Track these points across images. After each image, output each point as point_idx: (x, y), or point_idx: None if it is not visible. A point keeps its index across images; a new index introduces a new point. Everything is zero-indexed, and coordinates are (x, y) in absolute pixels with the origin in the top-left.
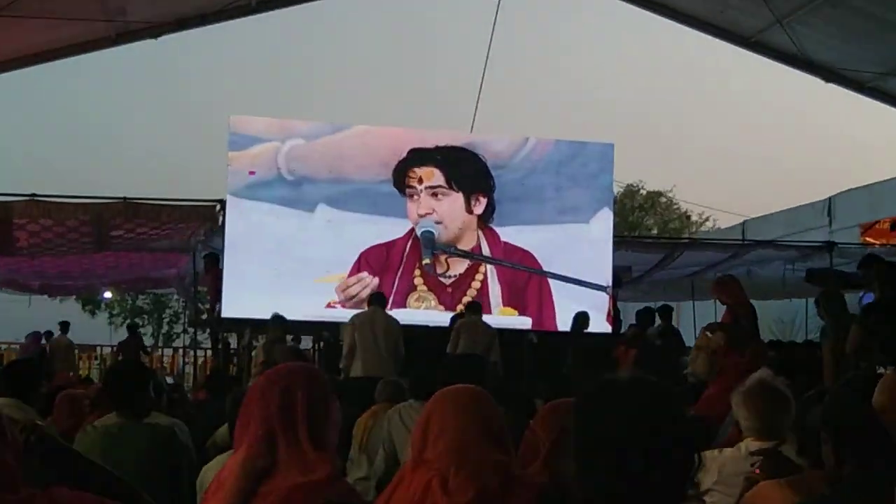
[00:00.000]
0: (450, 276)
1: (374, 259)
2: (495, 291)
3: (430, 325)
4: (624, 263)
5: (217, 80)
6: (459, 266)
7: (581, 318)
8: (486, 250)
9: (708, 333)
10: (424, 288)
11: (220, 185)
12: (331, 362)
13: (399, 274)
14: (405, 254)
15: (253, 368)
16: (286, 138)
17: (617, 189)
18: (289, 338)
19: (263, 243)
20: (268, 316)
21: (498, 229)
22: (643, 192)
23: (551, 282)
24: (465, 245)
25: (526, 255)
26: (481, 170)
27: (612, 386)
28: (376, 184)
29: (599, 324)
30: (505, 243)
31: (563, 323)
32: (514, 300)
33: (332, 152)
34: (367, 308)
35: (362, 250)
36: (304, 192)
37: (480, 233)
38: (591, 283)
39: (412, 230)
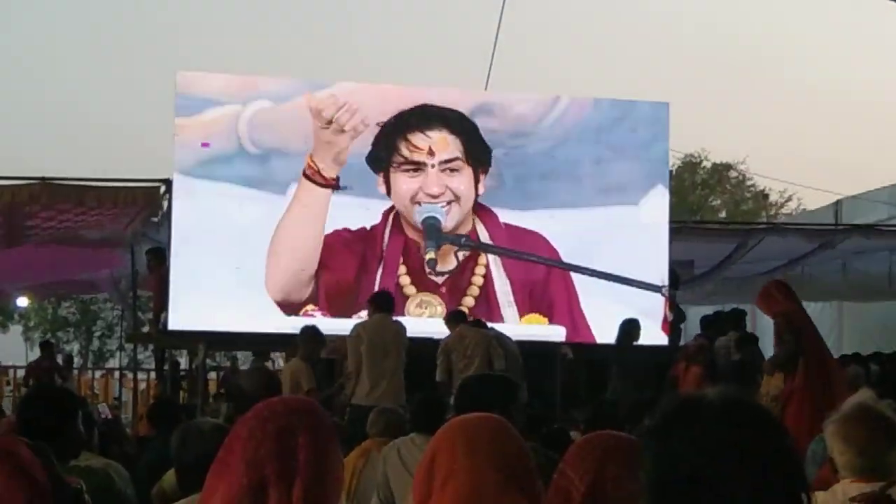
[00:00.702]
0: (441, 274)
1: (340, 252)
2: (504, 290)
3: (437, 336)
4: (684, 256)
5: (161, 28)
6: (449, 259)
7: (629, 328)
8: (483, 236)
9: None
10: (413, 289)
11: (164, 160)
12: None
13: (380, 273)
14: (384, 245)
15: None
16: (249, 100)
17: (673, 161)
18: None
19: (221, 235)
20: (227, 327)
21: (514, 212)
22: (707, 164)
23: (589, 281)
24: (465, 229)
25: (538, 240)
26: (483, 141)
27: (702, 407)
28: (363, 154)
29: (653, 334)
30: (507, 226)
31: (604, 333)
32: (535, 303)
33: (306, 117)
34: (370, 315)
35: (326, 234)
36: (272, 169)
37: (475, 216)
38: (641, 283)
39: (391, 212)
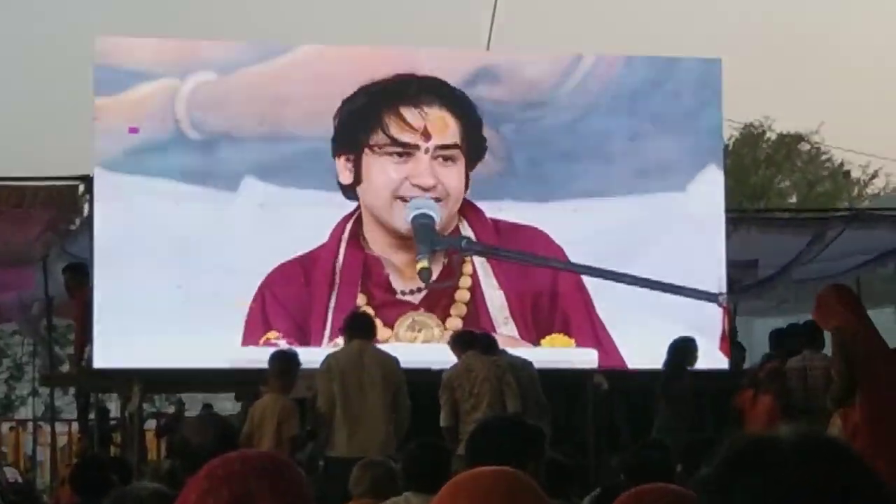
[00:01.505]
0: (413, 290)
1: (284, 276)
2: (497, 303)
3: (436, 367)
4: (745, 255)
5: None
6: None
7: (684, 349)
8: (466, 232)
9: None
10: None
11: (82, 152)
12: None
13: (335, 290)
14: (336, 268)
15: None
16: (188, 71)
17: (729, 133)
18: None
19: (158, 244)
20: (169, 362)
21: (526, 205)
22: (771, 136)
23: (624, 290)
24: (447, 230)
25: (538, 238)
26: (481, 124)
27: (773, 450)
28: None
29: (708, 356)
30: (495, 222)
31: (644, 356)
32: (546, 319)
33: (264, 92)
34: (345, 343)
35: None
36: (220, 159)
37: (459, 215)
38: (691, 290)
39: (341, 229)
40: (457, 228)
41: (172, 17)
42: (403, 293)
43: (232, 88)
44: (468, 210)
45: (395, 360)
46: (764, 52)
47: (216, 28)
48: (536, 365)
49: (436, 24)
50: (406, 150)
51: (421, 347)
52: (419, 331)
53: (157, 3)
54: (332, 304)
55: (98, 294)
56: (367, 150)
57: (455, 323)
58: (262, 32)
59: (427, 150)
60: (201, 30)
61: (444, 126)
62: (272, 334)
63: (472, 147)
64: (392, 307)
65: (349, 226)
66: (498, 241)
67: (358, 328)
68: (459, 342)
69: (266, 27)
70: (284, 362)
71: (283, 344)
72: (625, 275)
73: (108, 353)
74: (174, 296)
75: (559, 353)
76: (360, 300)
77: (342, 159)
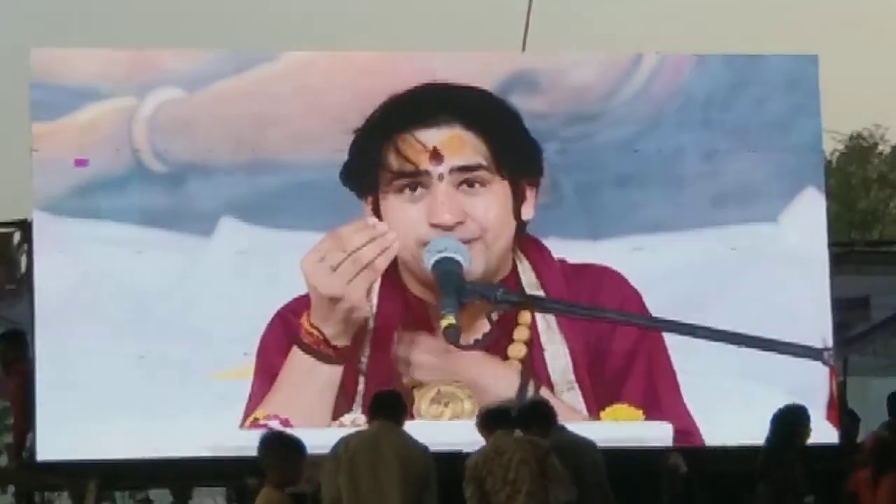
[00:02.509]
0: (472, 346)
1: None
2: (559, 363)
3: (467, 450)
4: (855, 293)
5: None
6: (479, 325)
7: (792, 422)
8: (531, 281)
9: None
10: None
11: (16, 191)
12: None
13: (368, 346)
14: (372, 309)
15: None
16: (147, 88)
17: (832, 147)
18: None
19: (113, 306)
20: (130, 453)
21: (576, 244)
22: (884, 149)
23: (702, 348)
24: (499, 275)
25: (615, 283)
26: (524, 131)
27: None
28: (336, 168)
29: (815, 427)
30: (563, 264)
31: (731, 430)
32: (615, 386)
33: (242, 111)
34: (366, 424)
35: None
36: (190, 197)
37: (517, 249)
38: (789, 345)
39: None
40: (513, 271)
41: (126, 24)
42: (465, 349)
43: (202, 108)
44: (529, 247)
45: (422, 449)
46: (872, 46)
47: (180, 36)
48: (595, 439)
49: (457, 23)
50: (416, 181)
51: (448, 425)
52: (446, 405)
53: (106, 7)
54: (364, 361)
55: (41, 369)
56: (381, 191)
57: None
58: (237, 38)
59: (442, 177)
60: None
61: (459, 143)
62: (260, 413)
63: (513, 161)
64: (438, 367)
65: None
66: (566, 286)
67: (380, 406)
68: (488, 421)
69: (242, 31)
70: (280, 449)
71: (276, 424)
72: (701, 327)
73: (54, 442)
74: (135, 368)
75: (624, 429)
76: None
77: (365, 201)
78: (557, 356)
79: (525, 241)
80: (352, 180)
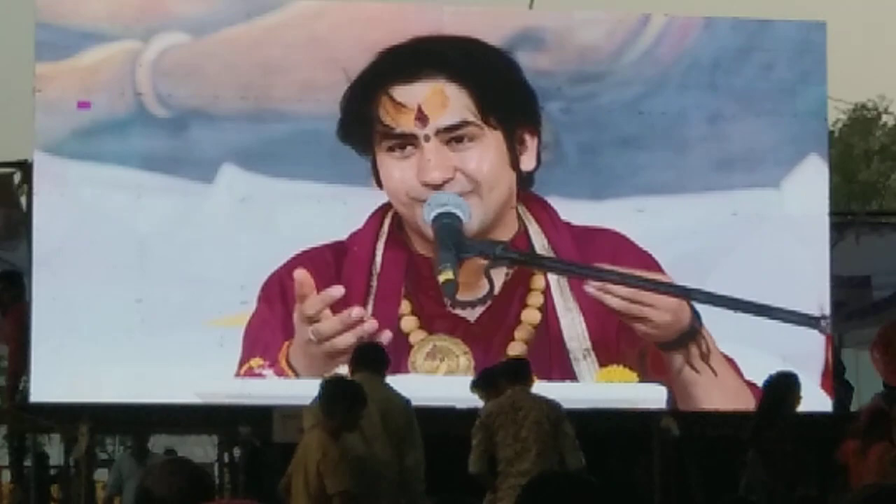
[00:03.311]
0: (475, 303)
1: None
2: (575, 331)
3: (461, 406)
4: (854, 270)
5: None
6: (478, 282)
7: (784, 387)
8: (538, 243)
9: None
10: (422, 333)
11: (19, 132)
12: (262, 489)
13: (371, 302)
14: (376, 261)
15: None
16: (153, 32)
17: (835, 116)
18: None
19: (112, 249)
20: (124, 397)
21: (579, 204)
22: (888, 120)
23: (703, 313)
24: (504, 233)
25: (623, 247)
26: (519, 79)
27: None
28: (338, 119)
29: (808, 394)
30: (571, 227)
31: (734, 396)
32: (620, 349)
33: (248, 58)
34: (349, 376)
35: (288, 259)
36: (192, 143)
37: (523, 208)
38: (786, 312)
39: (387, 210)
40: (524, 233)
41: None
42: (455, 305)
43: (208, 54)
44: (537, 208)
45: (403, 401)
46: (879, 15)
47: None
48: (587, 404)
49: None
50: (404, 142)
51: (443, 380)
52: (441, 360)
53: None
54: (367, 313)
55: (36, 310)
56: (376, 148)
57: (519, 349)
58: None
59: (428, 138)
60: None
61: (441, 101)
62: (255, 362)
63: (504, 111)
64: (442, 322)
65: (388, 218)
66: (576, 249)
67: (364, 361)
68: (510, 370)
69: None
70: (338, 392)
71: (270, 375)
72: (700, 291)
73: (48, 384)
74: (132, 313)
75: (617, 390)
76: (405, 307)
77: (366, 158)
78: (573, 324)
79: (532, 202)
80: (348, 138)
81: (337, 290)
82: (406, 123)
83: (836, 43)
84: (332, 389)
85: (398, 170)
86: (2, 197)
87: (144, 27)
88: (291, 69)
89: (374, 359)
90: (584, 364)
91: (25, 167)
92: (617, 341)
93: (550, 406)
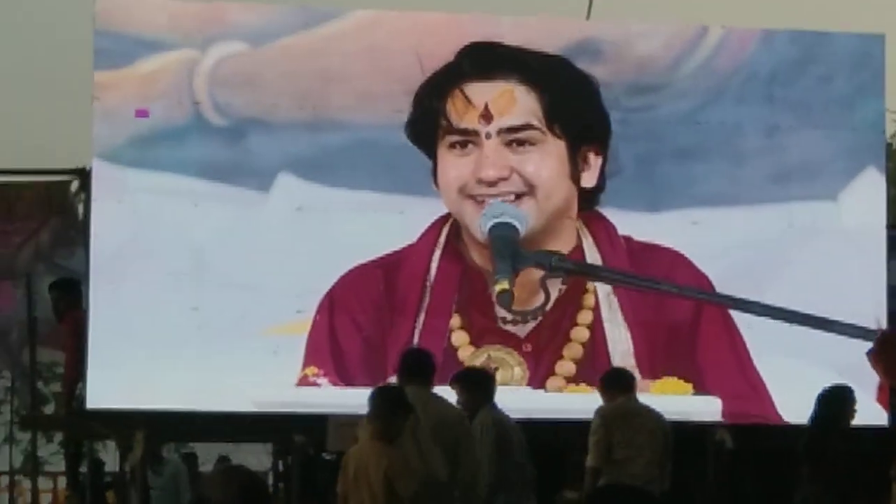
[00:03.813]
0: (527, 316)
1: (358, 284)
2: (621, 345)
3: (518, 417)
4: None
5: None
6: (533, 295)
7: (838, 401)
8: (591, 258)
9: None
10: (471, 349)
11: (78, 140)
12: (316, 497)
13: (423, 315)
14: (430, 274)
15: None
16: (211, 41)
17: (892, 128)
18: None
19: (169, 257)
20: (181, 404)
21: (634, 215)
22: None
23: (757, 325)
24: (561, 246)
25: (680, 265)
26: (595, 101)
27: None
28: (396, 128)
29: (863, 408)
30: (629, 242)
31: (784, 406)
32: (673, 362)
33: (305, 67)
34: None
35: (342, 274)
36: (249, 151)
37: (582, 225)
38: (843, 325)
39: (445, 220)
40: (579, 247)
41: None
42: (506, 321)
43: (265, 63)
44: (594, 224)
45: (453, 412)
46: None
47: None
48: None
49: None
50: (466, 139)
51: (498, 391)
52: (496, 370)
53: None
54: (418, 327)
55: (93, 318)
56: (438, 144)
57: (567, 368)
58: None
59: (489, 135)
60: None
61: (509, 102)
62: (311, 370)
63: (570, 122)
64: (492, 337)
65: (446, 229)
66: (630, 265)
67: (411, 370)
68: (613, 383)
69: None
70: (385, 399)
71: (326, 385)
72: (756, 303)
73: (104, 391)
74: (188, 320)
75: (672, 402)
76: (455, 322)
77: (429, 157)
78: (619, 341)
79: (592, 219)
80: (415, 136)
81: None
82: (470, 120)
83: (894, 55)
84: (380, 397)
85: (455, 168)
86: (59, 205)
87: (202, 36)
88: (349, 79)
89: (421, 369)
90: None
91: (84, 175)
92: (666, 356)
93: (664, 419)
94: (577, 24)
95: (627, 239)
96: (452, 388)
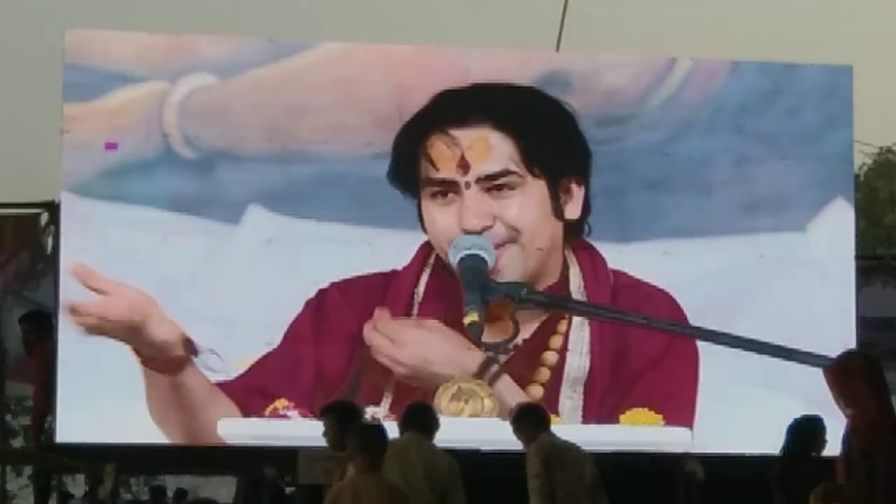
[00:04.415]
0: (498, 348)
1: (336, 313)
2: (574, 373)
3: (488, 449)
4: (882, 312)
5: None
6: (502, 325)
7: (808, 432)
8: (578, 288)
9: None
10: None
11: (47, 173)
12: None
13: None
14: (415, 299)
15: None
16: (180, 73)
17: (861, 160)
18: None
19: (139, 288)
20: (148, 438)
21: (604, 247)
22: None
23: (727, 356)
24: (546, 279)
25: (663, 303)
26: (571, 130)
27: None
28: (366, 161)
29: (836, 438)
30: (616, 274)
31: (754, 438)
32: (643, 393)
33: (275, 99)
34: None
35: (318, 289)
36: (219, 184)
37: (570, 255)
38: (812, 356)
39: (427, 250)
40: (564, 277)
41: (161, 8)
42: (484, 348)
43: (235, 95)
44: (583, 254)
45: (447, 458)
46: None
47: (215, 21)
48: (612, 447)
49: (493, 20)
50: (446, 189)
51: (468, 423)
52: (466, 402)
53: None
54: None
55: (62, 351)
56: (421, 193)
57: (535, 392)
58: (271, 25)
59: (469, 185)
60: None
61: (485, 149)
62: (280, 403)
63: (549, 159)
64: (475, 358)
65: (432, 259)
66: (611, 299)
67: (410, 419)
68: (525, 419)
69: (277, 17)
70: (367, 437)
71: (295, 417)
72: (726, 335)
73: (74, 424)
74: None
75: (642, 433)
76: None
77: (412, 202)
78: (576, 365)
79: (580, 249)
80: (397, 180)
81: None
82: (448, 170)
83: (862, 87)
84: (361, 431)
85: (441, 216)
86: (28, 238)
87: (172, 68)
88: (318, 111)
89: (424, 420)
90: (569, 403)
91: (53, 208)
92: (636, 387)
93: (587, 452)
94: (547, 55)
95: (617, 273)
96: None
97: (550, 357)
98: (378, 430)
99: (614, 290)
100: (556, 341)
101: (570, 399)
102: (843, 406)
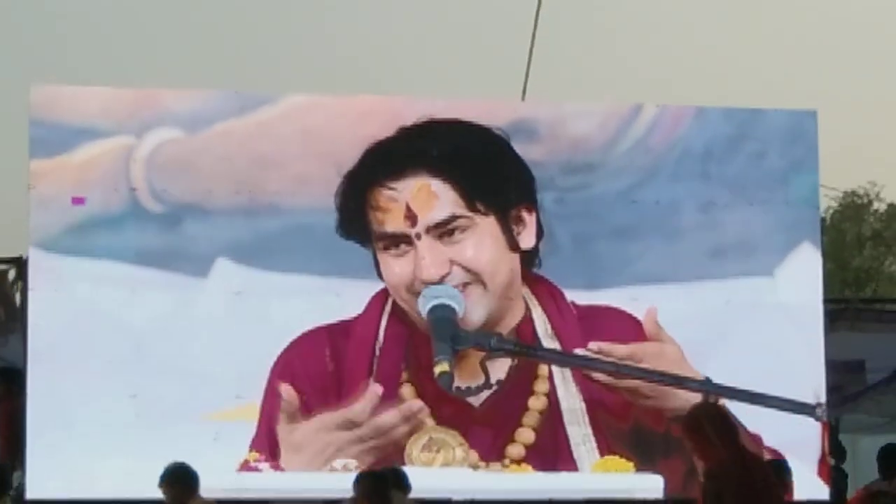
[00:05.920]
0: (474, 391)
1: (308, 364)
2: (574, 415)
3: (459, 498)
4: (849, 355)
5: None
6: (473, 373)
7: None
8: (541, 327)
9: None
10: (431, 421)
11: (14, 229)
12: None
13: (372, 382)
14: (377, 346)
15: None
16: (146, 127)
17: (826, 203)
18: None
19: (107, 345)
20: (121, 493)
21: (572, 294)
22: (880, 207)
23: (692, 398)
24: (512, 318)
25: (630, 328)
26: (507, 156)
27: None
28: (332, 212)
29: (804, 483)
30: (576, 307)
31: None
32: (616, 439)
33: (240, 152)
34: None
35: (288, 343)
36: (186, 237)
37: (528, 291)
38: (781, 400)
39: (385, 298)
40: (528, 319)
41: (126, 63)
42: (460, 390)
43: (201, 148)
44: (540, 290)
45: None
46: (868, 103)
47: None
48: (584, 495)
49: (459, 71)
50: (397, 241)
51: (439, 472)
52: (437, 451)
53: (106, 46)
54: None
55: (31, 406)
56: (374, 245)
57: (527, 437)
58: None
59: (419, 236)
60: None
61: (428, 198)
62: (252, 456)
63: (496, 194)
64: (447, 406)
65: (391, 299)
66: (580, 330)
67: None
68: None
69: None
70: (376, 482)
71: (266, 467)
72: (693, 380)
73: (44, 480)
74: (127, 408)
75: (614, 481)
76: (407, 392)
77: (368, 252)
78: (572, 407)
79: (537, 284)
80: (348, 234)
81: (377, 388)
82: (396, 223)
83: (826, 131)
84: (366, 479)
85: (398, 266)
86: None
87: (138, 123)
88: (285, 163)
89: (405, 481)
90: (584, 449)
91: (20, 263)
92: (617, 425)
93: None
94: (513, 104)
95: (573, 304)
96: None
97: (540, 402)
98: (379, 478)
99: (579, 321)
100: (541, 385)
101: (586, 444)
102: (696, 459)
